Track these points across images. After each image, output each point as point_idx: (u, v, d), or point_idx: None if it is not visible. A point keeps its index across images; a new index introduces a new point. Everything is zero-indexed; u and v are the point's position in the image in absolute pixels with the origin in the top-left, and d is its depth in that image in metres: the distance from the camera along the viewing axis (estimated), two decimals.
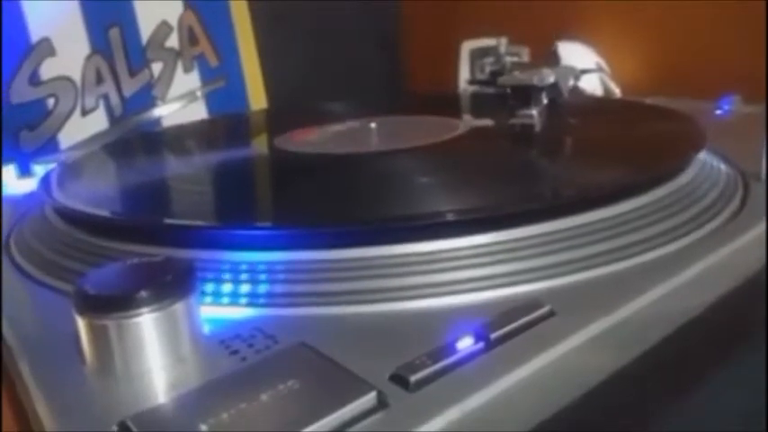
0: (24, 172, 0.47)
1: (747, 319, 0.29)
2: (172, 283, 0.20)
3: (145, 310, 0.19)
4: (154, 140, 0.55)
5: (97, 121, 0.63)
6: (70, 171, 0.40)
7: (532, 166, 0.35)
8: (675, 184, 0.29)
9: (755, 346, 0.29)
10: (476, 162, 0.35)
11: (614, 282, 0.23)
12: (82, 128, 0.62)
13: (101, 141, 0.58)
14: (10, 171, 0.46)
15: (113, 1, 0.62)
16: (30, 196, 0.41)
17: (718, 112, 0.49)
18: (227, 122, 0.61)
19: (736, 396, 0.28)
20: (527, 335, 0.20)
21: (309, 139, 0.42)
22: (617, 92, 0.60)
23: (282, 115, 0.60)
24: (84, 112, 0.62)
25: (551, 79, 0.40)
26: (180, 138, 0.53)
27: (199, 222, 0.27)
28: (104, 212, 0.29)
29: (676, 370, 0.25)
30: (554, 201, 0.27)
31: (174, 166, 0.43)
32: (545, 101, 0.39)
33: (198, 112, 0.68)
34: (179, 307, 0.20)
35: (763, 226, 0.28)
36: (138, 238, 0.27)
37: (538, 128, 0.38)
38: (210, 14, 0.69)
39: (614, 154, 0.34)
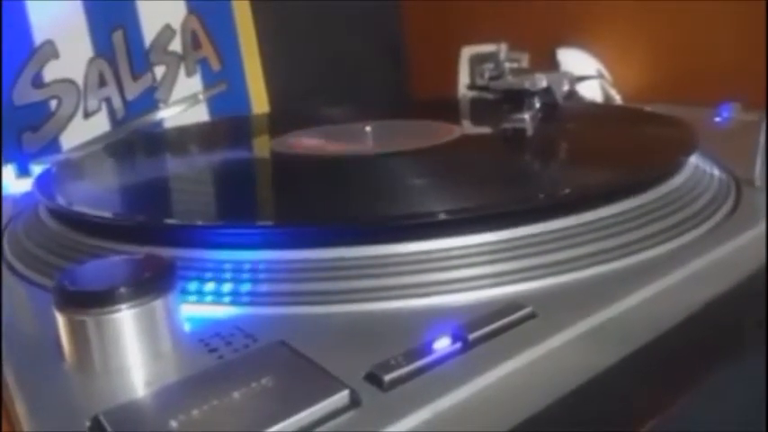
0: (24, 172, 0.47)
1: (740, 322, 0.29)
2: (151, 280, 0.20)
3: (124, 306, 0.19)
4: (148, 141, 0.56)
5: (99, 124, 0.63)
6: (64, 171, 0.41)
7: (521, 170, 0.35)
8: (664, 188, 0.29)
9: (751, 350, 0.29)
10: (464, 165, 0.35)
11: (596, 284, 0.23)
12: (84, 130, 0.62)
13: (102, 144, 0.58)
14: (9, 171, 0.46)
15: (117, 4, 0.63)
16: (27, 196, 0.41)
17: (718, 119, 0.48)
18: (223, 125, 0.61)
19: (732, 401, 0.28)
20: (506, 336, 0.20)
21: (307, 142, 0.42)
22: (617, 98, 0.60)
23: (281, 118, 0.60)
24: (87, 115, 0.63)
25: (543, 84, 0.40)
26: (172, 139, 0.53)
27: (182, 221, 0.28)
28: (92, 212, 0.29)
29: (663, 373, 0.25)
30: (538, 203, 0.26)
31: (165, 167, 0.43)
32: (537, 105, 0.39)
33: (200, 115, 0.69)
34: (158, 304, 0.20)
35: (754, 231, 0.28)
36: (123, 237, 0.27)
37: (530, 132, 0.38)
38: (214, 18, 0.69)
39: (604, 158, 0.34)
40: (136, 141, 0.58)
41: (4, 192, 0.44)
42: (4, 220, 0.36)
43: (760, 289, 0.28)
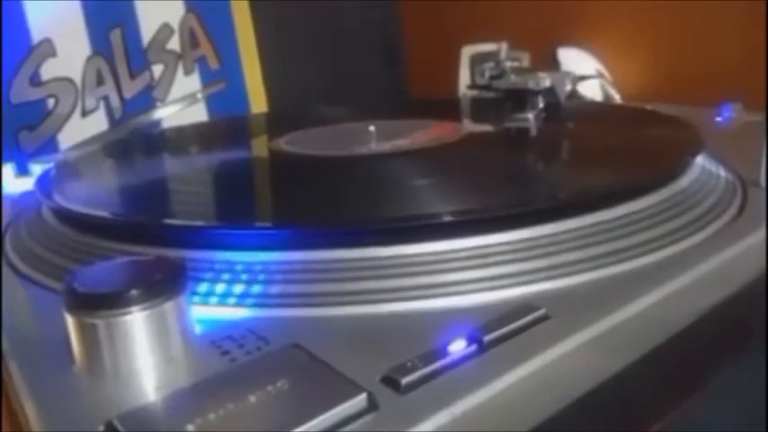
0: (22, 171, 0.47)
1: (746, 325, 0.29)
2: (162, 282, 0.20)
3: (135, 308, 0.19)
4: (150, 141, 0.55)
5: (97, 123, 0.63)
6: (66, 171, 0.40)
7: (527, 170, 0.35)
8: (672, 189, 0.29)
9: (755, 352, 0.29)
10: (471, 165, 0.35)
11: (610, 285, 0.23)
12: (82, 129, 0.62)
13: (100, 142, 0.58)
14: (8, 170, 0.46)
15: (115, 3, 0.63)
16: (26, 195, 0.40)
17: (719, 119, 0.48)
18: (223, 124, 0.61)
19: (735, 402, 0.28)
20: (521, 338, 0.20)
21: (307, 142, 0.42)
22: (617, 98, 0.60)
23: (281, 118, 0.60)
24: (84, 113, 0.62)
25: (547, 83, 0.40)
26: (175, 139, 0.53)
27: (192, 222, 0.27)
28: (99, 212, 0.29)
29: (673, 375, 0.25)
30: (548, 204, 0.26)
31: (169, 167, 0.43)
32: (541, 105, 0.39)
33: (198, 114, 0.68)
34: (169, 306, 0.20)
35: (761, 232, 0.28)
36: (131, 238, 0.26)
37: (533, 131, 0.38)
38: (212, 17, 0.69)
39: (610, 158, 0.34)
40: (138, 141, 0.57)
41: (3, 191, 0.44)
42: (4, 220, 0.36)
43: (762, 290, 0.28)
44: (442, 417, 0.17)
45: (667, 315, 0.23)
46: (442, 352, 0.19)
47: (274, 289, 0.23)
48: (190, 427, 0.16)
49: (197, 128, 0.59)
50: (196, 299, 0.23)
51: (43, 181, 0.36)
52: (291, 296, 0.23)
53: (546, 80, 0.42)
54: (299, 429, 0.16)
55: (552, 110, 0.42)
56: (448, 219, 0.25)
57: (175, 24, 0.67)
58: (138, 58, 0.64)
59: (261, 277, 0.23)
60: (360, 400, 0.17)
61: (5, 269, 0.29)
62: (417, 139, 0.39)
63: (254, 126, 0.60)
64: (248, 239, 0.25)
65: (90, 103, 0.62)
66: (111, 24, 0.63)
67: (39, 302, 0.26)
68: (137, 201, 0.33)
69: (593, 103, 0.56)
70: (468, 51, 0.63)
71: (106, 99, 0.63)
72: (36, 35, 0.58)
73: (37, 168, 0.45)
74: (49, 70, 0.59)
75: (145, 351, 0.20)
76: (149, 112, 0.66)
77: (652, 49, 0.62)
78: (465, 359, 0.19)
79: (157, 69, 0.66)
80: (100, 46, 0.62)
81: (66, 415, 0.18)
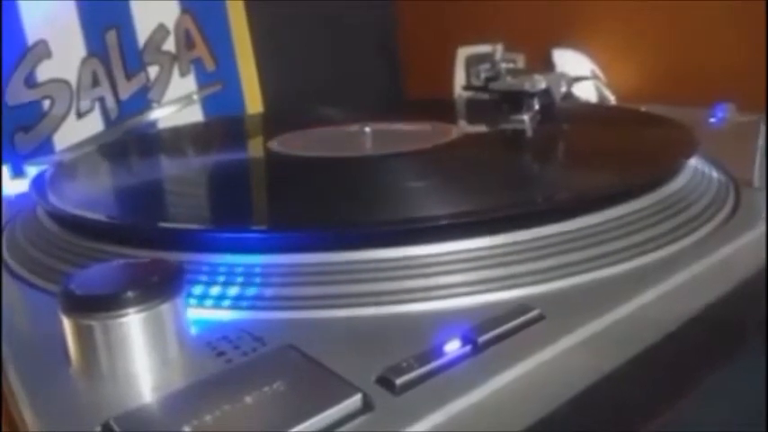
0: (18, 173, 0.47)
1: (741, 324, 0.29)
2: (158, 284, 0.20)
3: (131, 310, 0.19)
4: (145, 143, 0.55)
5: (92, 124, 0.63)
6: (61, 173, 0.40)
7: (523, 172, 0.35)
8: (666, 190, 0.29)
9: (753, 351, 0.29)
10: (466, 167, 0.35)
11: (602, 287, 0.23)
12: (77, 130, 0.62)
13: (96, 144, 0.58)
14: (4, 172, 0.46)
15: (110, 3, 0.62)
16: (22, 197, 0.40)
17: (712, 120, 0.49)
18: (218, 126, 0.61)
19: (733, 402, 0.28)
20: (515, 338, 0.20)
21: (303, 143, 0.42)
22: (612, 99, 0.60)
23: (277, 119, 0.60)
24: (80, 115, 0.62)
25: (543, 85, 0.40)
26: (171, 141, 0.53)
27: (188, 225, 0.27)
28: (94, 215, 0.29)
29: (668, 374, 0.25)
30: (542, 207, 0.27)
31: (164, 169, 0.43)
32: (537, 106, 0.40)
33: (194, 115, 0.68)
34: (165, 308, 0.20)
35: (755, 233, 0.28)
36: (127, 241, 0.26)
37: (529, 133, 0.38)
38: (207, 18, 0.69)
39: (605, 160, 0.34)
40: (133, 142, 0.57)
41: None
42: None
43: (760, 290, 0.28)
44: (437, 417, 0.17)
45: (660, 316, 0.23)
46: (437, 352, 0.19)
47: (270, 291, 0.23)
48: (186, 427, 0.16)
49: (192, 129, 0.59)
50: (192, 301, 0.23)
51: (38, 183, 0.36)
52: (287, 298, 0.23)
53: (542, 82, 0.42)
54: (295, 430, 0.16)
55: (547, 111, 0.43)
56: (443, 221, 0.25)
57: (171, 25, 0.66)
58: (133, 59, 0.64)
59: (256, 279, 0.23)
60: (355, 401, 0.17)
61: (2, 271, 0.29)
62: (413, 141, 0.39)
63: (249, 127, 0.60)
64: (243, 242, 0.25)
65: (85, 104, 0.62)
66: (106, 25, 0.62)
67: (34, 305, 0.26)
68: (132, 203, 0.33)
69: (587, 105, 0.56)
70: (463, 53, 0.63)
71: (102, 100, 0.63)
72: (31, 36, 0.58)
73: (33, 170, 0.45)
74: (44, 72, 0.59)
75: (141, 352, 0.20)
76: (145, 114, 0.66)
77: (648, 50, 0.62)
78: (460, 359, 0.19)
79: (153, 71, 0.66)
80: (95, 47, 0.62)
81: (63, 416, 0.18)
